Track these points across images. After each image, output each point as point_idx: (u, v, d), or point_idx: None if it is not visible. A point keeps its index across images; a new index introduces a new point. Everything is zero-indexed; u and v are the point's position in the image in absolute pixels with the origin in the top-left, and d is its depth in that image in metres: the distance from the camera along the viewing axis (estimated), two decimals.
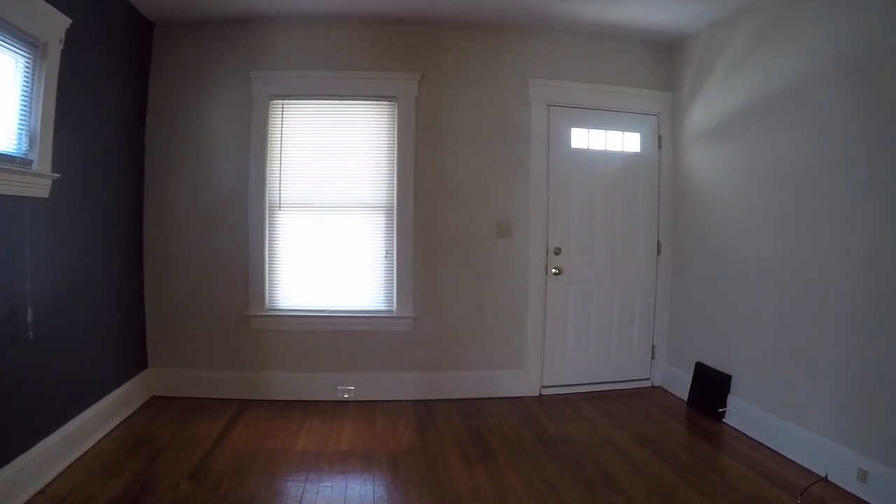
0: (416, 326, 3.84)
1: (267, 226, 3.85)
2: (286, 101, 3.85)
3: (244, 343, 3.86)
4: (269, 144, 3.84)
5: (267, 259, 3.85)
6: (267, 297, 3.87)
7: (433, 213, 3.84)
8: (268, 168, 3.83)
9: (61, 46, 2.68)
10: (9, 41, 2.40)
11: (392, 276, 3.82)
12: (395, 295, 3.81)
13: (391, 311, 3.82)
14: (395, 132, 3.80)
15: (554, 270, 3.89)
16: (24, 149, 2.53)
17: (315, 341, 3.85)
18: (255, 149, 3.83)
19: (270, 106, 3.84)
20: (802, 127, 2.94)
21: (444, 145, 3.85)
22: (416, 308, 3.82)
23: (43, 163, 2.59)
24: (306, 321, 3.83)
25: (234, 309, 3.86)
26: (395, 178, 3.79)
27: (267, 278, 3.87)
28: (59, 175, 2.67)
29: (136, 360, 3.70)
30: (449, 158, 3.85)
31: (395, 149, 3.79)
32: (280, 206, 3.85)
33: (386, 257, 3.81)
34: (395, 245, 3.79)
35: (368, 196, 3.83)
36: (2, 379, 2.33)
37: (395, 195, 3.79)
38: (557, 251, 3.90)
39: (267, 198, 3.84)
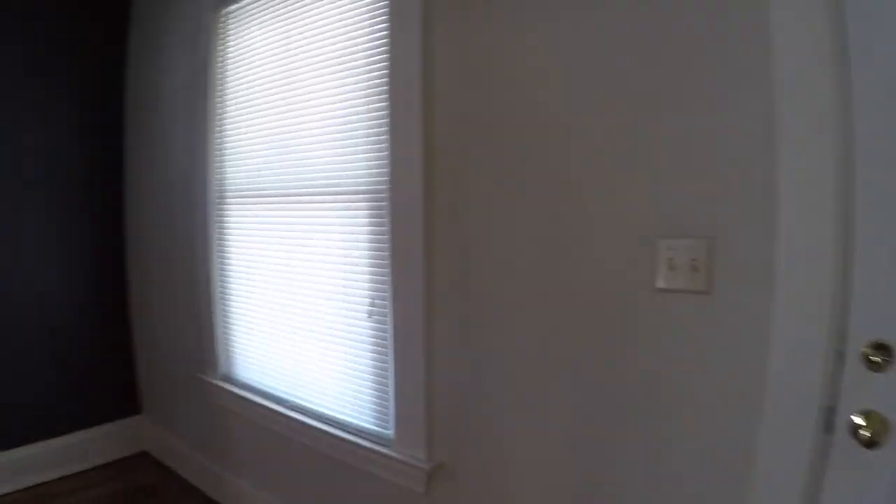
0: (440, 489, 1.58)
1: (213, 228, 2.08)
2: (231, 8, 1.97)
3: (208, 419, 2.32)
4: (212, 89, 2.03)
5: (216, 286, 2.11)
6: (220, 356, 2.15)
7: (478, 213, 1.44)
8: (212, 130, 2.04)
9: None
10: None
11: (388, 361, 1.62)
12: (392, 404, 1.62)
13: (386, 438, 1.66)
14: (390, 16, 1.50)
15: (863, 431, 1.09)
16: None
17: (281, 451, 2.00)
18: (196, 99, 2.12)
19: (217, 20, 2.03)
20: None
21: (509, 32, 1.37)
22: (437, 443, 1.56)
23: None
24: (266, 413, 1.99)
25: (190, 365, 2.33)
26: (389, 120, 1.51)
27: (217, 322, 2.13)
28: None
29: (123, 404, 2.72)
30: (522, 67, 1.35)
31: (390, 52, 1.49)
32: (228, 195, 2.05)
33: (371, 317, 1.64)
34: (390, 291, 1.56)
35: (344, 174, 1.67)
36: None
37: (389, 169, 1.53)
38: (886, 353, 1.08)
39: (212, 182, 2.05)
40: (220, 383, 2.18)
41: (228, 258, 2.13)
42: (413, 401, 1.53)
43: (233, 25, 2.05)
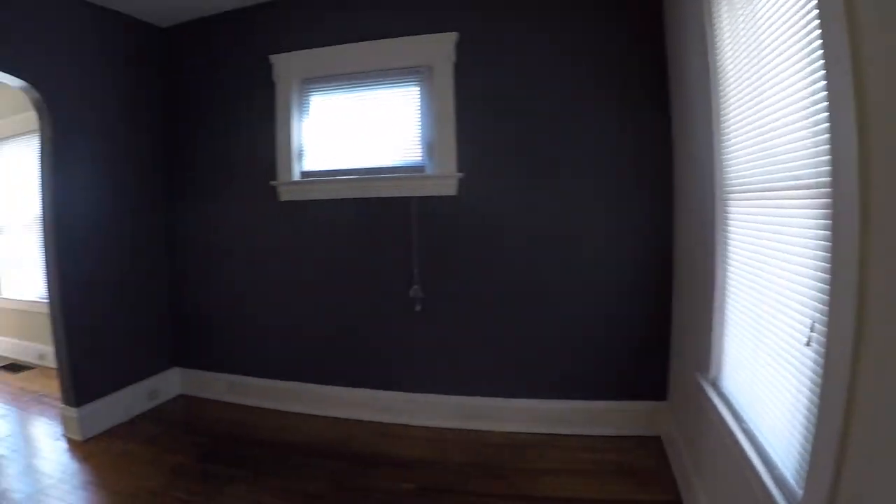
0: None
1: (719, 223, 2.18)
2: None
3: (696, 419, 2.47)
4: (713, 74, 2.13)
5: (718, 285, 2.19)
6: (713, 359, 2.22)
7: None
8: (715, 120, 2.13)
9: (454, 60, 3.10)
10: (395, 82, 3.28)
11: (816, 405, 1.26)
12: (808, 460, 1.25)
13: (795, 497, 1.29)
14: None
15: None
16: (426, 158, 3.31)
17: (731, 478, 1.88)
18: (698, 90, 2.35)
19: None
20: None
21: None
22: None
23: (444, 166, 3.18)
24: (727, 432, 1.91)
25: (693, 362, 2.50)
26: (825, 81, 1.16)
27: (715, 323, 2.21)
28: (462, 174, 3.14)
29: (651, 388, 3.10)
30: None
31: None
32: (726, 190, 2.10)
33: (809, 344, 1.30)
34: (826, 316, 1.22)
35: (791, 164, 1.39)
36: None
37: (828, 157, 1.18)
38: None
39: (719, 176, 2.16)
40: (707, 386, 2.16)
41: (726, 257, 2.07)
42: (823, 465, 1.15)
43: (725, 5, 1.93)
